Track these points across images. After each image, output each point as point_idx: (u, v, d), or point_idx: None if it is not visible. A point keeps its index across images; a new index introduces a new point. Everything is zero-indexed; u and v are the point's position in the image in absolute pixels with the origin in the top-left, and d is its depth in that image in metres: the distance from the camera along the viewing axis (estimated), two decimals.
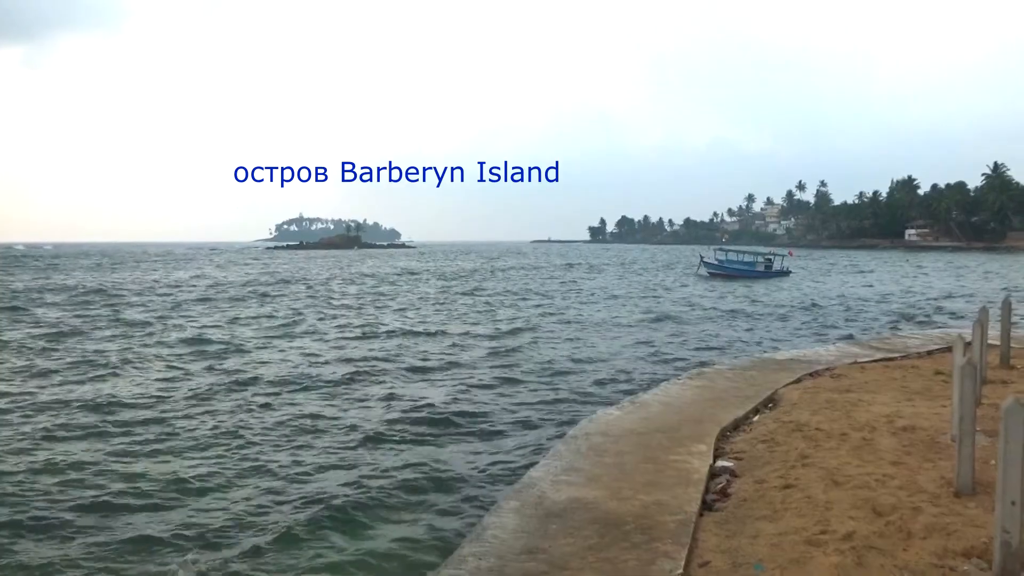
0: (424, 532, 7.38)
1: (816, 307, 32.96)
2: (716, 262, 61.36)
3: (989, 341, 12.64)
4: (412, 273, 69.22)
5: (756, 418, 9.22)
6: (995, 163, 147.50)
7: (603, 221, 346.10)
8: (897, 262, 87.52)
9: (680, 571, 4.91)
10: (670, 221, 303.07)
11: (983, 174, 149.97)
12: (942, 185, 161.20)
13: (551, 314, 30.00)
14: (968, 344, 11.03)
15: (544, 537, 5.55)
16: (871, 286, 47.75)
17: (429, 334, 23.11)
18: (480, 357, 18.47)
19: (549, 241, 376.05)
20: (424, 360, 17.96)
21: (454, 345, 20.67)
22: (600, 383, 15.06)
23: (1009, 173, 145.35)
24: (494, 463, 9.65)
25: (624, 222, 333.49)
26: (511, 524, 5.80)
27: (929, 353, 14.40)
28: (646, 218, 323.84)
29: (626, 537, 5.51)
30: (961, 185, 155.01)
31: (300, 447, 10.46)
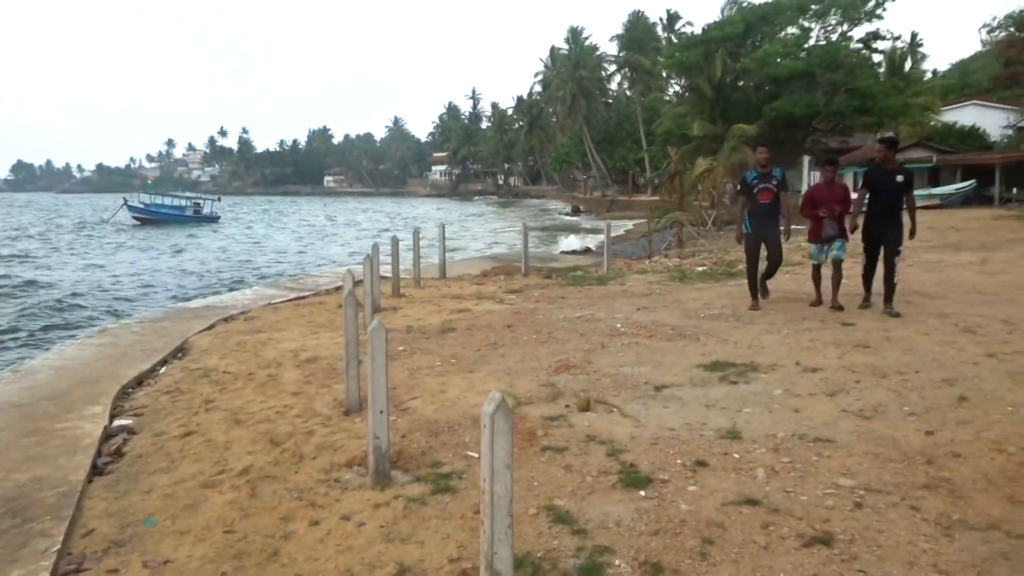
0: None
1: (249, 254, 33.29)
2: (142, 205, 57.30)
3: (382, 274, 14.28)
4: None
5: (163, 370, 8.82)
6: (395, 117, 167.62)
7: None
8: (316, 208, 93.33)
9: (58, 547, 4.40)
10: (79, 167, 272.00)
11: (387, 126, 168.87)
12: (354, 136, 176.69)
13: None
14: (359, 281, 12.24)
15: None
16: (295, 230, 50.14)
17: None
18: None
19: None
20: None
21: None
22: None
23: (407, 127, 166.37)
24: None
25: (21, 167, 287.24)
26: None
27: (336, 289, 15.59)
28: (49, 163, 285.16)
29: None
30: (369, 136, 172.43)
31: None
